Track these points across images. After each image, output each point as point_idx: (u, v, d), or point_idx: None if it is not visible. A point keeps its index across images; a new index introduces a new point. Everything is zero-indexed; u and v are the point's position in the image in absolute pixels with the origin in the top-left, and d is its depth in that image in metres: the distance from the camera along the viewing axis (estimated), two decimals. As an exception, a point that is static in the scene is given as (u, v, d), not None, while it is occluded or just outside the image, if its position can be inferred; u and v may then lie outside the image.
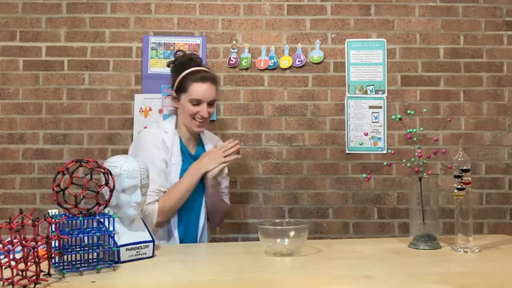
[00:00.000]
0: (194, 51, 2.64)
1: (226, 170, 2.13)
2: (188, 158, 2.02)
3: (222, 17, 2.68)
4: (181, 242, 1.94)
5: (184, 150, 2.03)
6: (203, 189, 1.99)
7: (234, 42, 2.67)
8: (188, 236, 1.97)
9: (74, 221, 1.41)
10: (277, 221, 1.74)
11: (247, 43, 2.67)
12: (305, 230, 1.58)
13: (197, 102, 1.96)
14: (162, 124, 2.09)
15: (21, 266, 1.21)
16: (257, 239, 1.64)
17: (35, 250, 1.22)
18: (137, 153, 1.92)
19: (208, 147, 2.09)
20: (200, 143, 2.11)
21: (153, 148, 1.94)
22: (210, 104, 1.98)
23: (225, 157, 1.93)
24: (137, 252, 1.50)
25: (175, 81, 2.03)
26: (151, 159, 1.87)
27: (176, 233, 1.95)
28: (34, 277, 1.21)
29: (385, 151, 2.64)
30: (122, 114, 2.64)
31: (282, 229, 1.63)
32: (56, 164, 2.60)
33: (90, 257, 1.42)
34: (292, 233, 1.57)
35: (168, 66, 2.10)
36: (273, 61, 2.65)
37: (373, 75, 2.67)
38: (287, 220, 1.75)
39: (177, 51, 2.15)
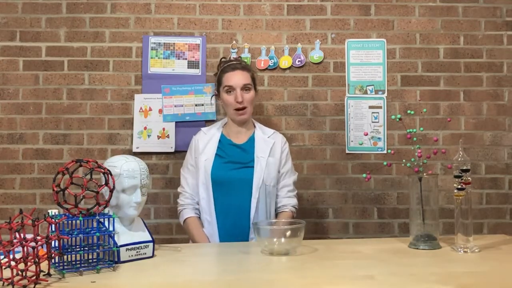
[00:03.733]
0: (194, 51, 2.65)
1: (289, 167, 2.17)
2: (233, 148, 2.10)
3: (222, 17, 2.68)
4: (222, 237, 2.00)
5: (225, 142, 2.12)
6: (250, 194, 2.02)
7: (234, 42, 2.67)
8: (235, 233, 1.99)
9: (74, 221, 1.41)
10: (274, 220, 1.74)
11: (247, 43, 2.67)
12: (301, 229, 1.58)
13: (230, 89, 2.09)
14: (206, 128, 2.24)
15: (21, 266, 1.21)
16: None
17: (35, 250, 1.22)
18: None
19: (258, 142, 2.11)
20: (253, 136, 2.15)
21: (188, 153, 2.19)
22: (245, 89, 2.09)
23: None
24: (137, 252, 1.51)
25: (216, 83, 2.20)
26: (185, 162, 2.18)
27: (215, 227, 2.01)
28: (34, 277, 1.21)
29: (385, 151, 2.64)
30: (122, 114, 2.64)
31: (278, 228, 1.63)
32: (56, 164, 2.60)
33: (90, 257, 1.42)
34: (288, 233, 1.57)
35: (215, 75, 2.23)
36: (273, 61, 2.65)
37: (373, 75, 2.67)
38: (283, 219, 1.75)
39: (222, 58, 2.32)
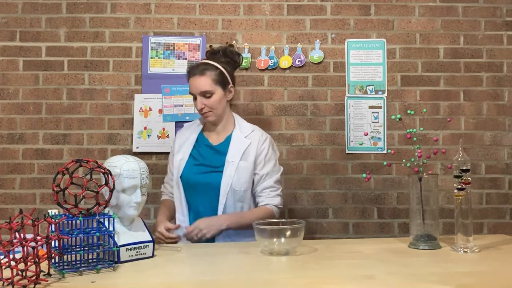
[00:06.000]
0: (194, 51, 2.65)
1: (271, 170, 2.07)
2: (207, 150, 2.05)
3: (222, 17, 2.68)
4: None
5: (202, 141, 2.07)
6: (218, 200, 1.97)
7: (234, 42, 2.67)
8: None
9: (74, 221, 1.41)
10: (274, 220, 1.74)
11: (247, 43, 2.67)
12: (301, 229, 1.58)
13: (193, 96, 2.01)
14: (189, 123, 2.20)
15: (21, 266, 1.21)
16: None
17: (35, 250, 1.22)
18: None
19: (233, 144, 2.02)
20: (230, 136, 2.05)
21: (173, 150, 2.15)
22: (205, 95, 1.97)
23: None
24: (137, 252, 1.51)
25: None
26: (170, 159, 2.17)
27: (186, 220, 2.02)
28: (34, 277, 1.21)
29: (385, 151, 2.64)
30: (122, 114, 2.64)
31: (278, 228, 1.63)
32: (56, 164, 2.60)
33: (90, 257, 1.42)
34: (288, 233, 1.57)
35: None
36: (273, 61, 2.66)
37: (373, 75, 2.67)
38: (283, 220, 1.75)
39: (210, 45, 2.26)
